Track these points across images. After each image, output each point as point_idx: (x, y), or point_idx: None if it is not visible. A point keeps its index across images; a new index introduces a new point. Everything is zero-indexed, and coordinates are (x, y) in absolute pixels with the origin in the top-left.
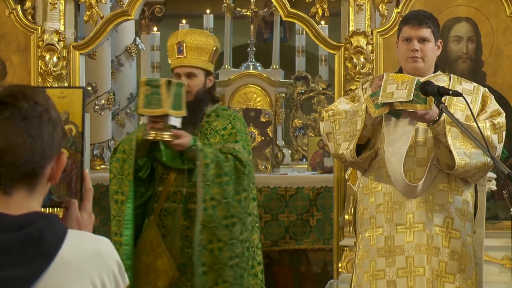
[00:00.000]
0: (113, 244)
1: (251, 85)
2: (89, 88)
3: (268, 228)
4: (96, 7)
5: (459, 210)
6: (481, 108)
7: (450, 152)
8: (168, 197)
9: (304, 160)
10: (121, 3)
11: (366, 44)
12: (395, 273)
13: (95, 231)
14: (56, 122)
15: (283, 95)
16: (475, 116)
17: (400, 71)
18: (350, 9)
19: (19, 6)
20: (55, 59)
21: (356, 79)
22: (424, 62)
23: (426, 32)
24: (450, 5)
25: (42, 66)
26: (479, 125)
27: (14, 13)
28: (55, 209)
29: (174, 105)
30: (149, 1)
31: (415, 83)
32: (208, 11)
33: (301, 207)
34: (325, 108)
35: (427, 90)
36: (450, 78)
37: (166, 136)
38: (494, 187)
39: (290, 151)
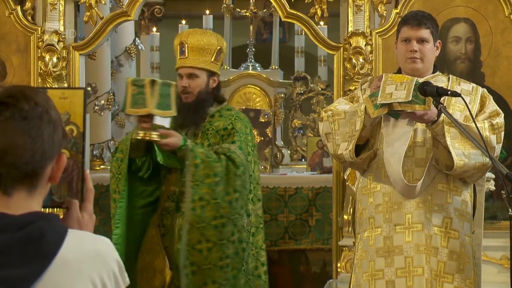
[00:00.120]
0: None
1: (251, 86)
2: (89, 88)
3: (267, 228)
4: (95, 8)
5: (458, 210)
6: (479, 109)
7: (449, 152)
8: (168, 197)
9: (303, 160)
10: (121, 3)
11: (365, 45)
12: (394, 273)
13: (95, 231)
14: (57, 122)
15: (282, 95)
16: (474, 117)
17: (399, 71)
18: (349, 10)
19: (19, 6)
20: (55, 59)
21: (355, 79)
22: (423, 63)
23: (425, 33)
24: (448, 5)
25: (42, 66)
26: (478, 125)
27: (14, 14)
28: (55, 209)
29: (160, 104)
30: (149, 1)
31: (414, 83)
32: (207, 11)
33: (300, 207)
34: (324, 109)
35: (426, 90)
36: (448, 78)
37: (154, 135)
38: (492, 187)
39: (289, 151)
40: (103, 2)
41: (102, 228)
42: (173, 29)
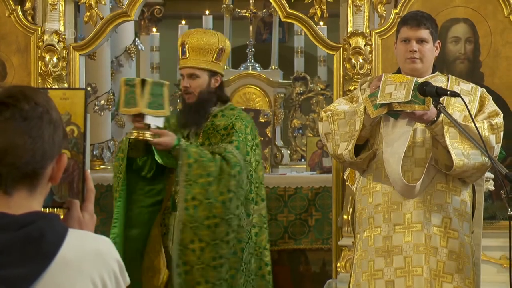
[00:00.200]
0: None
1: (250, 86)
2: (89, 88)
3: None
4: (95, 8)
5: (457, 210)
6: (479, 109)
7: (448, 152)
8: (170, 196)
9: (303, 160)
10: (121, 4)
11: (365, 45)
12: (393, 273)
13: (95, 230)
14: (57, 123)
15: (282, 95)
16: (473, 117)
17: (399, 71)
18: (349, 10)
19: (19, 7)
20: (55, 59)
21: (355, 79)
22: (422, 63)
23: (425, 33)
24: (448, 6)
25: (42, 66)
26: (477, 125)
27: (14, 14)
28: (55, 209)
29: (151, 104)
30: (149, 2)
31: (413, 83)
32: (207, 12)
33: (300, 207)
34: (323, 109)
35: (425, 90)
36: (448, 78)
37: (148, 135)
38: (492, 187)
39: (289, 151)
40: (103, 2)
41: (102, 228)
42: (173, 30)
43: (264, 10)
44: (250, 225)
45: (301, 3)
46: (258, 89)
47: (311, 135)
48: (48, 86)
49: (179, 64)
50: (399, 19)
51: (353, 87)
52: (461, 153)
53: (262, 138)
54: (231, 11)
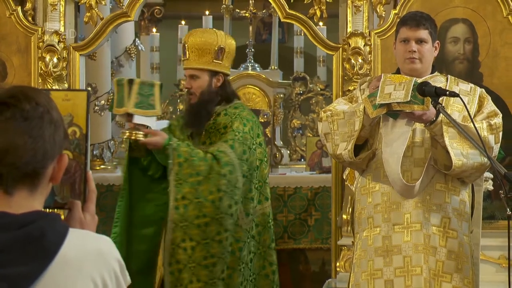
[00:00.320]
0: None
1: (250, 86)
2: (89, 88)
3: None
4: (96, 8)
5: (456, 210)
6: (478, 109)
7: (447, 152)
8: None
9: (302, 160)
10: (121, 4)
11: (364, 45)
12: (392, 273)
13: (96, 230)
14: (58, 123)
15: (281, 95)
16: (472, 117)
17: (398, 72)
18: (348, 11)
19: (20, 7)
20: (55, 60)
21: (354, 80)
22: (422, 63)
23: (424, 34)
24: (447, 6)
25: (42, 67)
26: (476, 125)
27: (15, 14)
28: (55, 210)
29: (139, 104)
30: (149, 2)
31: (413, 84)
32: (207, 12)
33: (299, 206)
34: (323, 109)
35: (424, 91)
36: (447, 79)
37: (140, 135)
38: (490, 187)
39: (288, 151)
40: (103, 2)
41: (103, 227)
42: (172, 30)
43: (263, 11)
44: (249, 225)
45: (300, 3)
46: (258, 89)
47: (311, 135)
48: (49, 87)
49: (183, 65)
50: (398, 20)
51: (352, 87)
52: (460, 153)
53: None
54: (231, 12)
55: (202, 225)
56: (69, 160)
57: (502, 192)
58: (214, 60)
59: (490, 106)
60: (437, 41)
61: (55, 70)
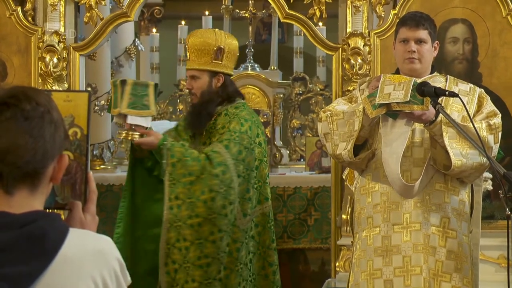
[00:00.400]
0: None
1: (250, 86)
2: (89, 89)
3: None
4: (96, 9)
5: (456, 210)
6: (477, 109)
7: (447, 152)
8: None
9: (302, 160)
10: (121, 4)
11: (364, 45)
12: (392, 272)
13: (96, 231)
14: (58, 123)
15: (281, 95)
16: (471, 117)
17: (397, 72)
18: (348, 11)
19: (20, 7)
20: (55, 60)
21: (354, 80)
22: (421, 63)
23: (423, 34)
24: (446, 6)
25: (42, 67)
26: (475, 125)
27: (15, 15)
28: (56, 210)
29: (132, 104)
30: (148, 2)
31: (412, 84)
32: (207, 12)
33: (299, 206)
34: (323, 109)
35: (423, 91)
36: (446, 79)
37: (136, 135)
38: (490, 187)
39: (288, 151)
40: (103, 3)
41: (102, 227)
42: (172, 30)
43: (263, 11)
44: (247, 225)
45: (300, 3)
46: (258, 89)
47: (310, 135)
48: (49, 87)
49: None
50: (397, 20)
51: (352, 88)
52: (459, 153)
53: None
54: (231, 12)
55: (195, 225)
56: (70, 160)
57: (501, 192)
58: (214, 61)
59: (489, 106)
60: (437, 41)
61: (55, 70)
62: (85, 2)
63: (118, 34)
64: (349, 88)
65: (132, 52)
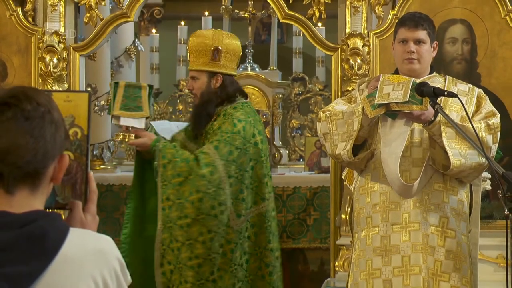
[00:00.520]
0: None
1: (249, 86)
2: (89, 89)
3: None
4: (96, 9)
5: (454, 209)
6: (476, 109)
7: (446, 152)
8: None
9: (301, 160)
10: (121, 5)
11: (363, 46)
12: (391, 272)
13: (96, 231)
14: (59, 123)
15: (280, 96)
16: (470, 117)
17: (396, 72)
18: (347, 11)
19: (20, 8)
20: (55, 60)
21: (353, 80)
22: (420, 64)
23: (422, 34)
24: (445, 7)
25: (42, 67)
26: (474, 125)
27: (15, 15)
28: (56, 210)
29: (125, 106)
30: (148, 3)
31: (411, 84)
32: (206, 13)
33: (298, 206)
34: (322, 109)
35: (422, 91)
36: (445, 79)
37: (132, 136)
38: (488, 187)
39: (287, 151)
40: (103, 3)
41: (102, 227)
42: (172, 30)
43: (262, 11)
44: (241, 226)
45: (299, 4)
46: (257, 89)
47: (310, 135)
48: (49, 87)
49: None
50: (396, 20)
51: (351, 88)
52: (458, 153)
53: None
54: (230, 12)
55: (184, 226)
56: (70, 161)
57: (500, 192)
58: (211, 61)
59: (488, 106)
60: (436, 42)
61: (55, 70)
62: (85, 3)
63: (118, 34)
64: (348, 88)
65: (132, 52)
